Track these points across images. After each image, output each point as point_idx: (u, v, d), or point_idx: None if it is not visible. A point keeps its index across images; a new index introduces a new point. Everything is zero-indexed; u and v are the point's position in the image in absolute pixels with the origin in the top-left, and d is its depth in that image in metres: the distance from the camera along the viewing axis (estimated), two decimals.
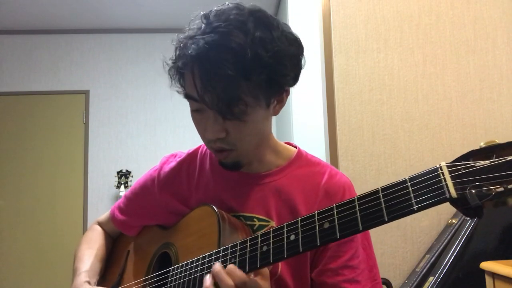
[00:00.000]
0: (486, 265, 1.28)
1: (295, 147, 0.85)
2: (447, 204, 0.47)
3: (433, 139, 1.77)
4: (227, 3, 0.70)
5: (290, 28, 0.71)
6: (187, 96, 0.70)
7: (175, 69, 0.71)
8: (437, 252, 1.56)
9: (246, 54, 0.62)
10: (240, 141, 0.71)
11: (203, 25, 0.67)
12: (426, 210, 1.75)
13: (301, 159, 0.82)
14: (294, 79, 0.72)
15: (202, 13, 0.70)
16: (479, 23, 1.83)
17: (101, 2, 3.43)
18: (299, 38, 0.72)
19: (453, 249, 1.48)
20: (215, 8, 0.69)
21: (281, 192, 0.77)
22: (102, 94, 3.90)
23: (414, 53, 1.81)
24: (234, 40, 0.63)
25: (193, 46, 0.65)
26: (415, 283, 1.53)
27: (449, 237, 1.56)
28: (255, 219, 0.75)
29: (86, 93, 3.88)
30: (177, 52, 0.70)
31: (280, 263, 0.73)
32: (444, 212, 1.70)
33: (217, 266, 0.61)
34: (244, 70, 0.63)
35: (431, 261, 1.55)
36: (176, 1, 3.43)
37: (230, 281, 0.59)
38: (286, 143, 0.86)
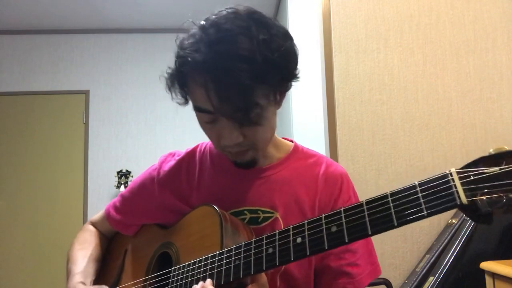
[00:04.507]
0: (486, 265, 1.28)
1: (291, 141, 0.87)
2: None
3: (433, 139, 1.76)
4: (223, 10, 0.67)
5: (279, 22, 0.71)
6: (199, 110, 0.68)
7: (178, 84, 0.69)
8: (437, 252, 1.56)
9: (257, 59, 0.61)
10: (258, 141, 0.72)
11: (205, 36, 0.64)
12: None
13: (298, 152, 0.84)
14: (298, 72, 0.72)
15: (201, 22, 0.67)
16: (479, 23, 1.83)
17: (101, 2, 3.43)
18: (288, 31, 0.71)
19: (453, 249, 1.48)
20: (213, 17, 0.66)
21: (283, 184, 0.78)
22: (102, 94, 3.89)
23: (414, 53, 1.81)
24: (242, 47, 0.61)
25: (200, 59, 0.62)
26: (415, 283, 1.53)
27: (449, 237, 1.56)
28: (259, 212, 0.76)
29: (86, 93, 3.88)
30: (179, 67, 0.67)
31: None
32: (444, 212, 1.70)
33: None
34: (259, 76, 0.62)
35: (431, 261, 1.55)
36: (176, 1, 3.43)
37: None
38: (282, 138, 0.88)
